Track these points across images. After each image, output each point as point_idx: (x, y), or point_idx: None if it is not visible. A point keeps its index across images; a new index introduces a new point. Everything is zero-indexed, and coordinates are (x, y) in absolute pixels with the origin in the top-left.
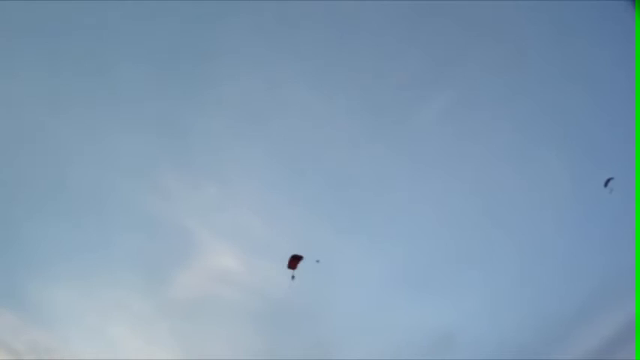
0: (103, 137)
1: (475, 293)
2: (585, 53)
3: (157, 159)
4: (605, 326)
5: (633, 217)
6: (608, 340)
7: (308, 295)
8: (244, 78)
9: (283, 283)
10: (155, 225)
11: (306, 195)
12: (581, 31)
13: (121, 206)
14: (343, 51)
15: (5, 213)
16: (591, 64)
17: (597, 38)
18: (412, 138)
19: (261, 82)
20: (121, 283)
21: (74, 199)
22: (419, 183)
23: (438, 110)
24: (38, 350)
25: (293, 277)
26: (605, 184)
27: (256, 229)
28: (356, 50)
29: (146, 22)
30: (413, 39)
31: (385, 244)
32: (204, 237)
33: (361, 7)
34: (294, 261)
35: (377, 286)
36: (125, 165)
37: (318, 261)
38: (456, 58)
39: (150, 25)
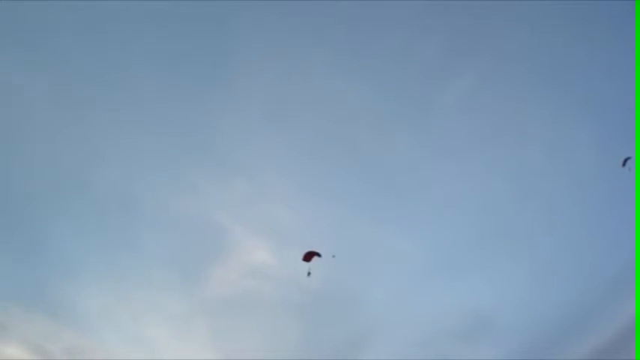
0: (130, 140)
1: (510, 275)
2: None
3: (185, 157)
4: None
5: None
6: None
7: (343, 284)
8: (268, 71)
9: (317, 273)
10: (187, 223)
11: (336, 185)
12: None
13: (151, 207)
14: (366, 42)
15: (37, 219)
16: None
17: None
18: (436, 123)
19: (286, 74)
20: (155, 283)
21: (105, 203)
22: (447, 167)
23: (459, 94)
24: (74, 353)
25: (309, 273)
26: (624, 164)
27: (288, 222)
28: (377, 41)
29: (163, 25)
30: (430, 27)
31: (417, 230)
32: (237, 232)
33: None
34: (310, 255)
35: (411, 272)
36: (154, 166)
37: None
38: (474, 44)
39: (167, 27)
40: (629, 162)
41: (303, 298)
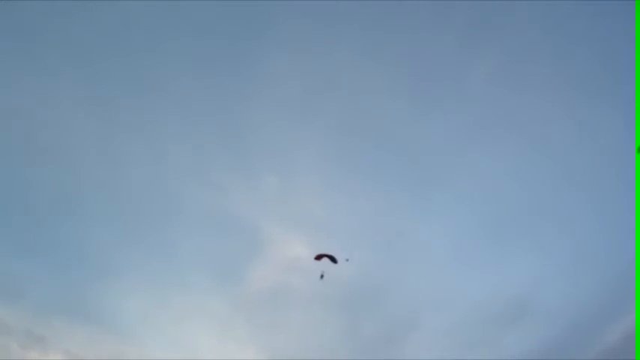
0: (163, 145)
1: (548, 256)
2: None
3: (215, 159)
4: None
5: None
6: None
7: (379, 275)
8: (294, 64)
9: (354, 265)
10: (221, 224)
11: (366, 176)
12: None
13: (186, 210)
14: (391, 27)
15: (73, 230)
16: None
17: None
18: (466, 102)
19: (311, 65)
20: (194, 286)
21: (140, 210)
22: (476, 150)
23: (486, 73)
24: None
25: (322, 276)
26: (638, 150)
27: (320, 214)
28: (401, 25)
29: (189, 25)
30: (451, 9)
31: (451, 216)
32: (270, 229)
33: None
34: (321, 256)
35: (446, 259)
36: (185, 170)
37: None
38: (496, 23)
39: (193, 27)
40: None
41: (340, 290)
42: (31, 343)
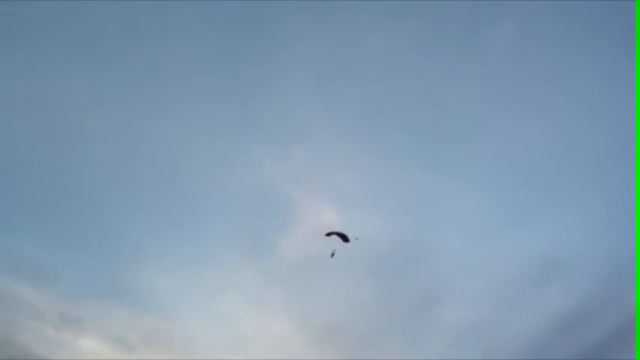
0: (187, 117)
1: (579, 213)
2: None
3: (242, 130)
4: None
5: None
6: None
7: (411, 240)
8: (316, 37)
9: (385, 230)
10: (250, 195)
11: (394, 142)
12: None
13: (213, 184)
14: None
15: (103, 213)
16: None
17: None
18: (486, 70)
19: (335, 37)
20: (226, 259)
21: (167, 188)
22: (502, 112)
23: (505, 41)
24: (153, 338)
25: (333, 254)
26: None
27: (349, 182)
28: None
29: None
30: None
31: (479, 179)
32: (300, 198)
33: None
34: (332, 234)
35: (476, 221)
36: (212, 143)
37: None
38: None
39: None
40: None
41: (372, 255)
42: (65, 326)
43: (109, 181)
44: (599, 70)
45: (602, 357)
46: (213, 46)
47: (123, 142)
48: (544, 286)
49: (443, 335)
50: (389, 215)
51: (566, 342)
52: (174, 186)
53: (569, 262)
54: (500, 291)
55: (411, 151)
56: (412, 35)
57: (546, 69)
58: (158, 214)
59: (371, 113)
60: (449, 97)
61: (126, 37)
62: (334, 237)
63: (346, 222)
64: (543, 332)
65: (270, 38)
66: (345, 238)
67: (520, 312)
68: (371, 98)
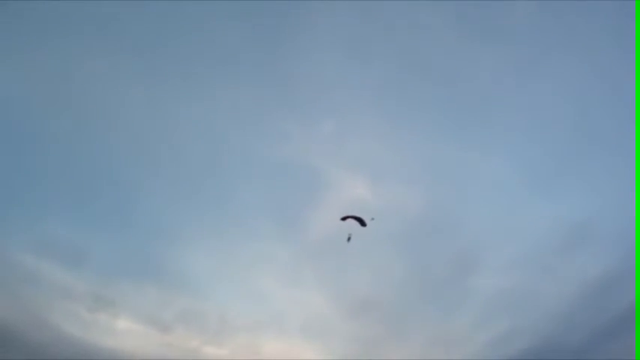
0: (214, 99)
1: (607, 181)
2: None
3: (270, 105)
4: None
5: None
6: None
7: (442, 210)
8: (345, 12)
9: (416, 201)
10: (280, 170)
11: (422, 113)
12: None
13: (242, 159)
14: None
15: (132, 194)
16: None
17: None
18: (509, 44)
19: (363, 13)
20: (258, 235)
21: (195, 164)
22: (526, 82)
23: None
24: (188, 317)
25: (349, 238)
26: None
27: (379, 154)
28: None
29: None
30: None
31: (507, 148)
32: (330, 172)
33: None
34: (348, 217)
35: (506, 190)
36: (240, 118)
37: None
38: None
39: None
40: None
41: (403, 226)
42: (99, 307)
43: (140, 161)
44: (620, 38)
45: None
46: (244, 25)
47: (154, 120)
48: (573, 252)
49: (476, 303)
50: (419, 186)
51: (595, 307)
52: (206, 163)
53: (598, 228)
54: (531, 258)
55: (439, 122)
56: (438, 11)
57: (567, 40)
58: (190, 192)
59: (399, 86)
60: (474, 70)
61: (162, 18)
62: (351, 221)
63: (377, 194)
64: (573, 298)
65: (299, 14)
66: (361, 222)
67: (550, 278)
68: (398, 71)
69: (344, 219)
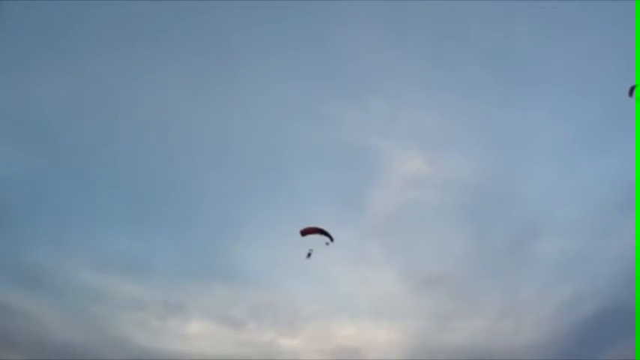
0: (262, 89)
1: None
2: None
3: (319, 91)
4: None
5: None
6: None
7: (500, 177)
8: None
9: (473, 170)
10: (335, 152)
11: (469, 79)
12: None
13: (298, 145)
14: None
15: (189, 192)
16: None
17: None
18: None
19: None
20: (322, 221)
21: (253, 155)
22: (576, 40)
23: None
24: (259, 311)
25: (309, 254)
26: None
27: (430, 126)
28: None
29: None
30: None
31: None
32: (384, 149)
33: None
34: (308, 231)
35: (562, 145)
36: (292, 107)
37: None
38: None
39: None
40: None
41: (463, 197)
42: (169, 313)
43: (197, 161)
44: None
45: None
46: (286, 5)
47: (205, 118)
48: (631, 214)
49: (542, 269)
50: (475, 154)
51: None
52: (264, 156)
53: None
54: (592, 219)
55: (487, 87)
56: None
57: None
58: (251, 187)
59: (442, 54)
60: (517, 32)
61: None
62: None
63: (434, 167)
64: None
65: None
66: (328, 235)
67: (612, 240)
68: (440, 40)
69: (304, 234)
